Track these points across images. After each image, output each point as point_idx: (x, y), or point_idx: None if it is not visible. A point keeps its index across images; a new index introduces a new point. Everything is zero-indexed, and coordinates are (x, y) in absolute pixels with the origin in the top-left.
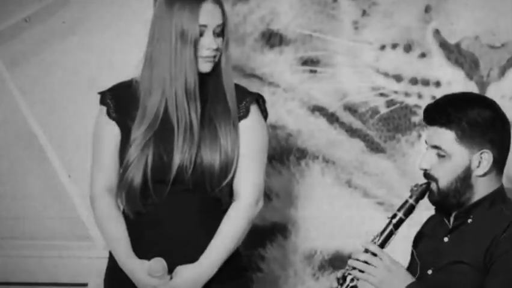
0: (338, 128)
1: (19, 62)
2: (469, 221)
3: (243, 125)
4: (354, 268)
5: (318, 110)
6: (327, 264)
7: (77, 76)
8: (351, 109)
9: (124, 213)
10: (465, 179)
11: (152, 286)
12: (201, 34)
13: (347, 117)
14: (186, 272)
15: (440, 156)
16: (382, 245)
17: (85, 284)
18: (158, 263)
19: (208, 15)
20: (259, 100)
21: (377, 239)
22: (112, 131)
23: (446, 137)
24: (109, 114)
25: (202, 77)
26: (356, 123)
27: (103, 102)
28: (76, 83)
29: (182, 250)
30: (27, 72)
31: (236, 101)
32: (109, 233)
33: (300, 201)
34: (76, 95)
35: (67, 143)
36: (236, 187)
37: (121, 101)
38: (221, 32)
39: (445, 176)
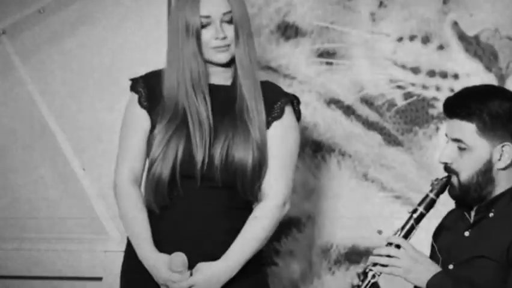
0: (354, 121)
1: (33, 53)
2: (491, 215)
3: (277, 125)
4: (375, 264)
5: (335, 102)
6: (343, 258)
7: (92, 67)
8: (368, 102)
9: (148, 205)
10: (486, 172)
11: (172, 281)
12: (206, 25)
13: (363, 110)
14: (208, 269)
15: (461, 149)
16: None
17: (100, 278)
18: (180, 258)
19: (210, 6)
20: (294, 101)
21: (398, 233)
22: (142, 120)
23: (467, 129)
24: (140, 102)
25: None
26: (373, 116)
27: (134, 89)
28: (90, 74)
29: (203, 246)
30: (41, 63)
31: (271, 101)
32: (131, 224)
33: (315, 194)
34: (90, 86)
35: (81, 135)
36: (265, 187)
37: (152, 90)
38: (231, 19)
39: (466, 170)
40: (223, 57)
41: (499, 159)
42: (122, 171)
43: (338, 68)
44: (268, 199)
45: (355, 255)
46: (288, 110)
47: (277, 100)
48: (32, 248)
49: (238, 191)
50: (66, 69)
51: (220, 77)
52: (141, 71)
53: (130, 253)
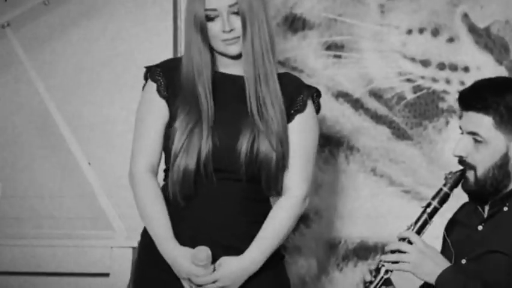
0: (363, 115)
1: (37, 45)
2: (505, 209)
3: (299, 119)
4: (387, 261)
5: (343, 96)
6: (351, 254)
7: (97, 60)
8: (376, 95)
9: (167, 195)
10: (502, 166)
11: (195, 275)
12: (213, 18)
13: (372, 104)
14: (231, 264)
15: (476, 142)
16: (417, 235)
17: (107, 274)
18: (204, 252)
19: None
20: (314, 94)
21: (411, 228)
22: (161, 110)
23: (483, 122)
24: (159, 91)
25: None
26: (382, 110)
27: (152, 78)
28: (94, 67)
29: (224, 239)
30: (45, 56)
31: (292, 93)
32: (149, 215)
33: (323, 189)
34: (95, 79)
35: (86, 129)
36: (286, 181)
37: (171, 79)
38: (238, 11)
39: (483, 163)
40: (233, 50)
41: None
42: (139, 160)
43: (346, 61)
44: (290, 193)
45: (363, 250)
46: (310, 103)
47: (300, 93)
48: (37, 245)
49: (262, 185)
50: (70, 62)
51: (239, 68)
52: (146, 63)
53: (146, 246)
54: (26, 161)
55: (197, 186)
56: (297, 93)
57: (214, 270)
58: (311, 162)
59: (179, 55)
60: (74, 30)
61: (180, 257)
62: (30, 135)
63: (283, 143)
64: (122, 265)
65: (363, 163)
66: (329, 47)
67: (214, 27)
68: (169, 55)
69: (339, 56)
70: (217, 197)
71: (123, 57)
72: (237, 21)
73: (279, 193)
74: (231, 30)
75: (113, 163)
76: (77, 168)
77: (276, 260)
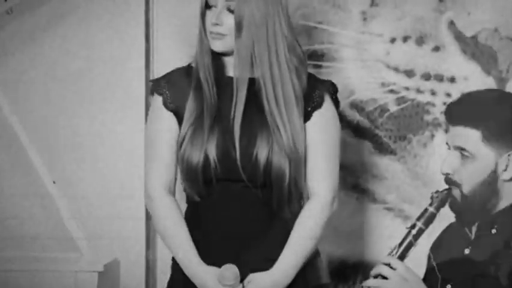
0: (344, 128)
1: (0, 55)
2: (493, 231)
3: (317, 116)
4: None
5: None
6: (331, 275)
7: (64, 70)
8: (358, 107)
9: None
10: (490, 183)
11: None
12: (210, 7)
13: (353, 116)
14: (261, 280)
15: (464, 157)
16: (401, 258)
17: None
18: (231, 271)
19: None
20: (331, 88)
21: (394, 251)
22: (170, 124)
23: (471, 137)
24: (166, 105)
25: None
26: (364, 122)
27: (157, 91)
28: (62, 77)
29: (247, 251)
30: (8, 67)
31: (307, 90)
32: (171, 238)
33: None
34: (63, 90)
35: (52, 144)
36: (310, 184)
37: (177, 90)
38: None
39: (469, 180)
40: (216, 46)
41: (505, 170)
42: (154, 181)
43: (326, 71)
44: (316, 197)
45: (345, 270)
46: (327, 97)
47: (315, 88)
48: None
49: (274, 192)
50: (36, 73)
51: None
52: (117, 73)
53: (176, 268)
54: None
55: (213, 197)
56: (313, 89)
57: None
58: (336, 161)
59: (152, 64)
60: (40, 40)
61: (208, 277)
62: None
63: (295, 146)
64: None
65: (345, 179)
66: (309, 56)
67: (207, 17)
68: (141, 64)
69: (319, 66)
70: (235, 206)
71: (93, 68)
72: (228, 18)
73: (292, 212)
74: (216, 24)
75: (82, 181)
76: (42, 186)
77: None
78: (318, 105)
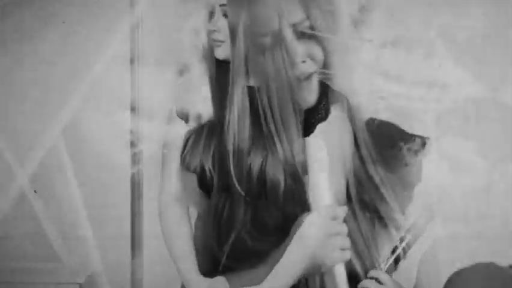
0: None
1: None
2: None
3: (322, 127)
4: None
5: None
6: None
7: (51, 70)
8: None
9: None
10: None
11: None
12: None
13: None
14: None
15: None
16: (390, 271)
17: None
18: (221, 283)
19: None
20: (344, 101)
21: (383, 264)
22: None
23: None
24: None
25: None
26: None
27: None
28: (48, 79)
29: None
30: None
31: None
32: (173, 247)
33: None
34: (40, 95)
35: (34, 151)
36: (315, 199)
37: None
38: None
39: None
40: (218, 53)
41: None
42: (166, 191)
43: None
44: (318, 211)
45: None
46: (335, 110)
47: (321, 99)
48: None
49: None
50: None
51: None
52: (101, 79)
53: None
54: None
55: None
56: (318, 100)
57: None
58: (339, 174)
59: (136, 69)
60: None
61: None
62: None
63: (296, 159)
64: None
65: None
66: None
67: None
68: (126, 71)
69: None
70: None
71: (82, 67)
72: (225, 24)
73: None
74: (214, 31)
75: (63, 189)
76: (22, 194)
77: None
78: (323, 117)
